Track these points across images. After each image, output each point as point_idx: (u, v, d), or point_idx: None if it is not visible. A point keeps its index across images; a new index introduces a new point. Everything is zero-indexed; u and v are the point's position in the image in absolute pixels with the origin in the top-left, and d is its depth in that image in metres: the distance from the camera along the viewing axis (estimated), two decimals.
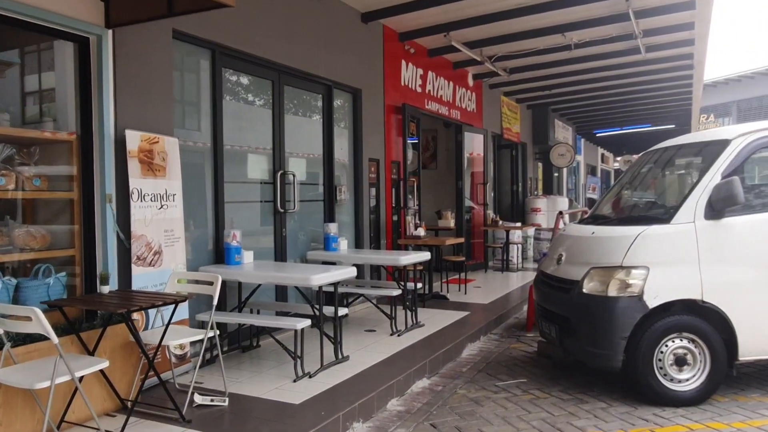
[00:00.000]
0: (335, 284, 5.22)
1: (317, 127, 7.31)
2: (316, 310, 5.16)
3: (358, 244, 7.90)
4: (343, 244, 7.03)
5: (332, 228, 6.87)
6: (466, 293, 9.03)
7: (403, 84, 9.07)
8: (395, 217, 8.86)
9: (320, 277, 4.87)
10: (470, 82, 11.69)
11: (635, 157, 32.49)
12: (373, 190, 8.24)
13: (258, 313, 5.81)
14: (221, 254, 5.56)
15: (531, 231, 13.65)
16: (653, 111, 17.79)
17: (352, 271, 5.30)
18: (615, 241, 4.68)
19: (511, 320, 7.87)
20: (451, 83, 10.80)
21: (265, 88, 6.40)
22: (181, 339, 4.03)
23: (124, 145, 4.46)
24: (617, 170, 35.05)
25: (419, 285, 7.18)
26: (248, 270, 5.30)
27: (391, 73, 8.70)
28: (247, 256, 5.60)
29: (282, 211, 6.47)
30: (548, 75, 12.08)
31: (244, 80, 6.18)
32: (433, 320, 7.12)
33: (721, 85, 42.02)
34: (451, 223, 10.73)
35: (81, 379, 3.55)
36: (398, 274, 7.51)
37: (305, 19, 6.72)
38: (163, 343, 3.87)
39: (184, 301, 3.82)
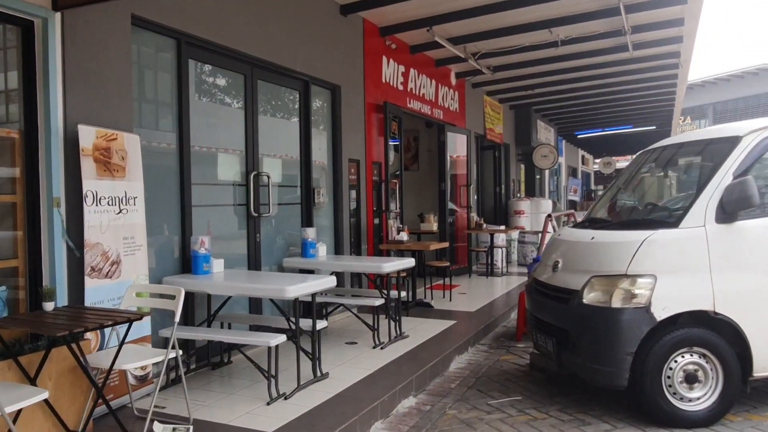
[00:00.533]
0: (313, 295, 4.78)
1: (294, 126, 6.86)
2: (291, 324, 4.70)
3: (337, 249, 7.45)
4: (322, 250, 6.59)
5: (310, 233, 6.43)
6: (451, 300, 8.63)
7: (384, 81, 8.66)
8: (377, 221, 8.43)
9: (296, 288, 4.42)
10: (453, 80, 11.31)
11: (615, 158, 32.61)
12: (354, 193, 7.81)
13: (229, 326, 5.34)
14: (188, 263, 5.08)
15: (515, 234, 13.34)
16: (636, 112, 17.63)
17: (331, 281, 4.85)
18: (618, 247, 4.31)
19: (499, 329, 7.49)
20: (433, 81, 10.41)
21: (237, 82, 5.94)
22: (136, 362, 3.55)
23: (76, 143, 3.97)
24: (597, 172, 35.08)
25: (403, 293, 6.75)
26: (218, 280, 4.83)
27: (371, 70, 8.28)
28: (217, 265, 5.12)
29: (256, 215, 6.01)
30: (532, 74, 11.76)
31: (214, 74, 5.71)
32: (418, 330, 6.70)
33: (698, 87, 42.44)
34: (434, 227, 10.33)
35: (18, 413, 3.06)
36: (380, 281, 7.10)
37: (280, 10, 6.27)
38: (115, 367, 3.40)
39: (139, 319, 3.34)
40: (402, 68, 9.20)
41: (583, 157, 29.49)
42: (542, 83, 12.69)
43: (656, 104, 16.23)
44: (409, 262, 6.40)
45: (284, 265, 6.36)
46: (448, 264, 8.89)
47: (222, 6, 5.43)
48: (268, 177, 6.13)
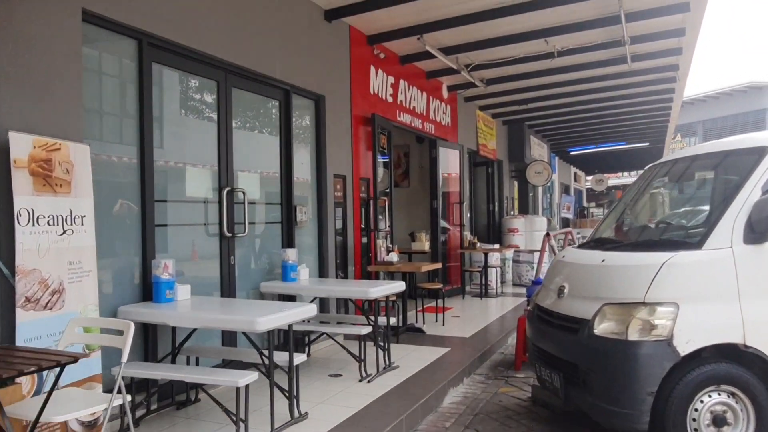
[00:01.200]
0: (290, 326, 4.24)
1: (273, 138, 6.35)
2: (265, 358, 4.15)
3: (321, 272, 6.91)
4: (304, 273, 6.05)
5: (290, 255, 5.90)
6: (444, 324, 8.09)
7: (372, 92, 8.19)
8: (365, 240, 7.91)
9: (269, 320, 3.88)
10: (445, 94, 10.88)
11: (607, 176, 32.29)
12: (339, 211, 7.29)
13: (197, 361, 4.77)
14: (151, 290, 4.52)
15: (509, 253, 12.84)
16: (630, 128, 17.29)
17: (311, 310, 4.32)
18: (634, 271, 3.81)
19: (496, 356, 6.95)
20: (424, 94, 9.97)
21: (209, 90, 5.43)
22: (70, 412, 2.97)
23: (7, 153, 3.43)
24: (589, 189, 34.79)
25: (392, 319, 6.21)
26: (181, 310, 4.28)
27: (358, 80, 7.82)
28: (183, 292, 4.58)
29: (229, 235, 5.47)
30: (527, 87, 11.36)
31: (182, 80, 5.20)
32: (409, 360, 6.16)
33: (687, 105, 42.46)
34: (426, 246, 9.84)
35: None
36: (368, 306, 6.58)
37: (258, 12, 5.79)
38: (43, 420, 2.83)
39: (73, 361, 2.78)
40: (391, 79, 8.75)
41: (575, 174, 29.17)
42: (536, 97, 12.31)
43: (651, 120, 15.90)
44: (399, 286, 5.88)
45: (262, 291, 5.81)
46: (441, 286, 8.36)
47: (191, 4, 4.94)
48: (244, 193, 5.61)
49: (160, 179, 4.79)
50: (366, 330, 5.53)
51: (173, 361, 4.58)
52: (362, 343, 5.57)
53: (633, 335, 3.64)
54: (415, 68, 9.59)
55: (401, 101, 9.08)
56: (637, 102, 13.31)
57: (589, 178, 33.44)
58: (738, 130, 42.60)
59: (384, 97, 8.54)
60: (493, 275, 11.33)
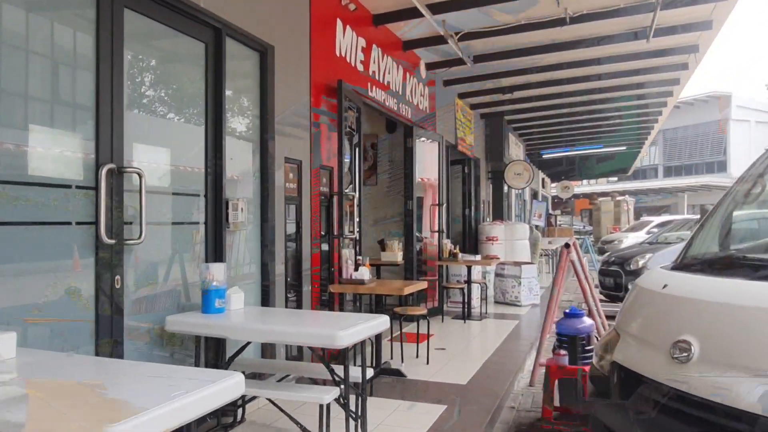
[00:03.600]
0: (190, 426, 2.19)
1: (195, 98, 4.28)
2: None
3: (265, 297, 4.83)
4: (237, 301, 4.00)
5: (216, 273, 3.83)
6: (428, 362, 6.14)
7: (339, 55, 6.20)
8: (325, 247, 5.89)
9: (132, 428, 1.82)
10: (423, 72, 8.98)
11: (573, 183, 31.04)
12: (292, 209, 5.26)
13: None
14: None
15: (492, 266, 10.99)
16: (615, 128, 15.86)
17: (232, 389, 2.27)
18: None
19: (506, 413, 5.03)
20: (400, 69, 8.03)
21: (82, 7, 3.34)
22: None
23: None
24: (555, 197, 33.53)
25: (368, 369, 4.21)
26: None
27: (321, 36, 5.82)
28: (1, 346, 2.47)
29: (112, 241, 3.37)
30: (518, 69, 9.59)
31: None
32: (390, 428, 4.18)
33: None
34: (399, 257, 7.90)
35: None
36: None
37: None
38: None
39: None
40: (362, 42, 6.77)
41: (543, 180, 27.76)
42: (526, 84, 10.57)
43: (641, 118, 14.51)
44: (381, 323, 3.87)
45: (169, 329, 3.72)
46: (425, 311, 6.40)
47: None
48: (140, 176, 3.51)
49: None
50: (331, 396, 3.52)
51: None
52: (324, 412, 3.56)
53: None
54: (391, 35, 7.66)
55: (374, 72, 7.12)
56: (635, 95, 11.81)
57: (555, 184, 32.15)
58: (699, 139, 42.52)
59: (353, 64, 6.56)
60: (475, 292, 9.49)
